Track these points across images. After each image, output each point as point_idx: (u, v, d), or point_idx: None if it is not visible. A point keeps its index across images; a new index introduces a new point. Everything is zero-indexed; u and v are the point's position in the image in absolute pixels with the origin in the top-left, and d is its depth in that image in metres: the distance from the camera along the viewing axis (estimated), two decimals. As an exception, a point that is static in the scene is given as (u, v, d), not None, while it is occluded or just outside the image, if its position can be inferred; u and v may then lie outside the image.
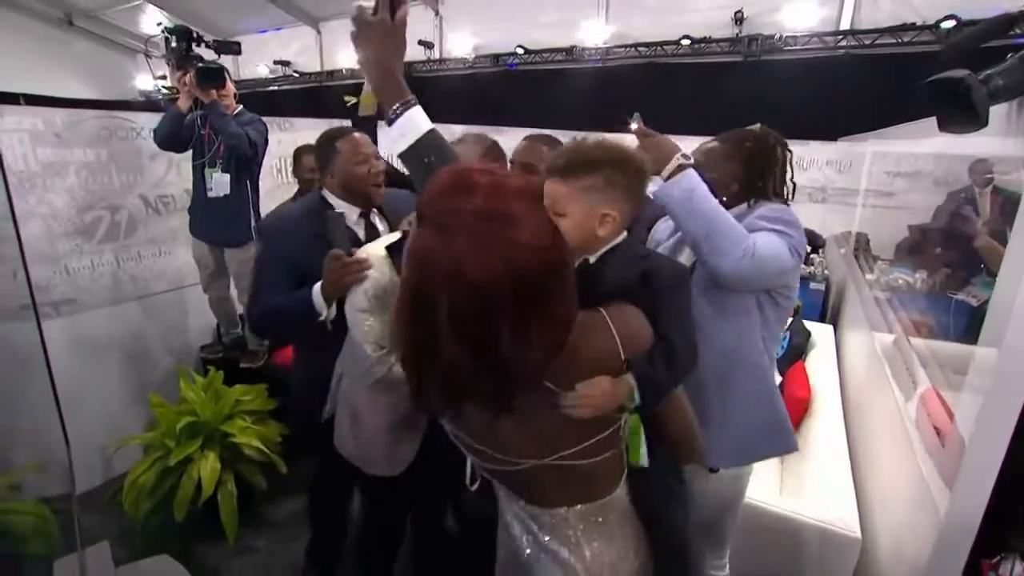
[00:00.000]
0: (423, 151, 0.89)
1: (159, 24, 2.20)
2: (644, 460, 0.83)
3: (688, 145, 1.23)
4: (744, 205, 1.29)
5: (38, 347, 1.56)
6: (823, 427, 2.09)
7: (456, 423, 0.82)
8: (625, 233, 0.95)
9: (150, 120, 2.38)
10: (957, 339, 2.24)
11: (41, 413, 1.73)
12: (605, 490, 0.85)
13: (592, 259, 0.93)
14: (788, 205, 1.28)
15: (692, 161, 1.16)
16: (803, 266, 1.29)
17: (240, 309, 2.70)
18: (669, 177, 1.14)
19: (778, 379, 1.47)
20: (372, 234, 1.55)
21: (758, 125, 1.31)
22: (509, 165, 1.54)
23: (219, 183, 2.33)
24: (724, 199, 1.22)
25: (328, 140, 1.53)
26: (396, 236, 1.30)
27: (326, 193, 1.55)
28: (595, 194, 0.87)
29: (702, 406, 1.28)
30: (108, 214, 2.42)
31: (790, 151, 1.30)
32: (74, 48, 10.69)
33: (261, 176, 2.50)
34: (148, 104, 9.86)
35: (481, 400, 0.70)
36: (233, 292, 2.65)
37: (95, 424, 2.37)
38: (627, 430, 0.84)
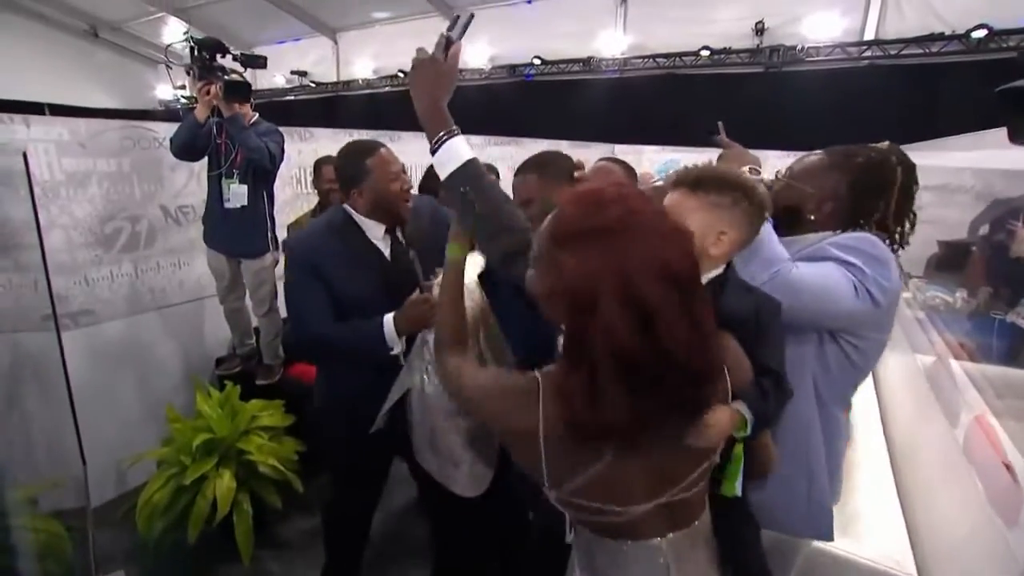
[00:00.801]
0: (460, 180, 0.93)
1: (185, 33, 2.19)
2: (739, 490, 0.86)
3: (699, 159, 1.13)
4: (831, 233, 1.08)
5: (58, 359, 1.53)
6: (865, 453, 1.99)
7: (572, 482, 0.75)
8: (726, 265, 0.95)
9: (171, 130, 2.37)
10: (1002, 362, 2.14)
11: (59, 425, 1.70)
12: (696, 515, 0.84)
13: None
14: (906, 244, 1.08)
15: (759, 176, 1.10)
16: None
17: (255, 321, 2.67)
18: None
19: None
20: (397, 250, 1.51)
21: (886, 142, 1.11)
22: None
23: (236, 194, 2.31)
24: (812, 218, 1.08)
25: (356, 157, 1.46)
26: (481, 262, 1.23)
27: (350, 209, 1.49)
28: (719, 212, 0.89)
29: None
30: (128, 224, 2.41)
31: (916, 182, 1.07)
32: (98, 59, 10.96)
33: (280, 187, 2.47)
34: (170, 114, 10.03)
35: (668, 395, 0.65)
36: (248, 303, 2.62)
37: (111, 436, 2.34)
38: (730, 460, 0.87)
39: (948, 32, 5.42)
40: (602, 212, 0.63)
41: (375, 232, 1.49)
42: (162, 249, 2.56)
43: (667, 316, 0.60)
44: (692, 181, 0.92)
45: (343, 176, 1.49)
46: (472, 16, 0.96)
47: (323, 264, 1.42)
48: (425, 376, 1.38)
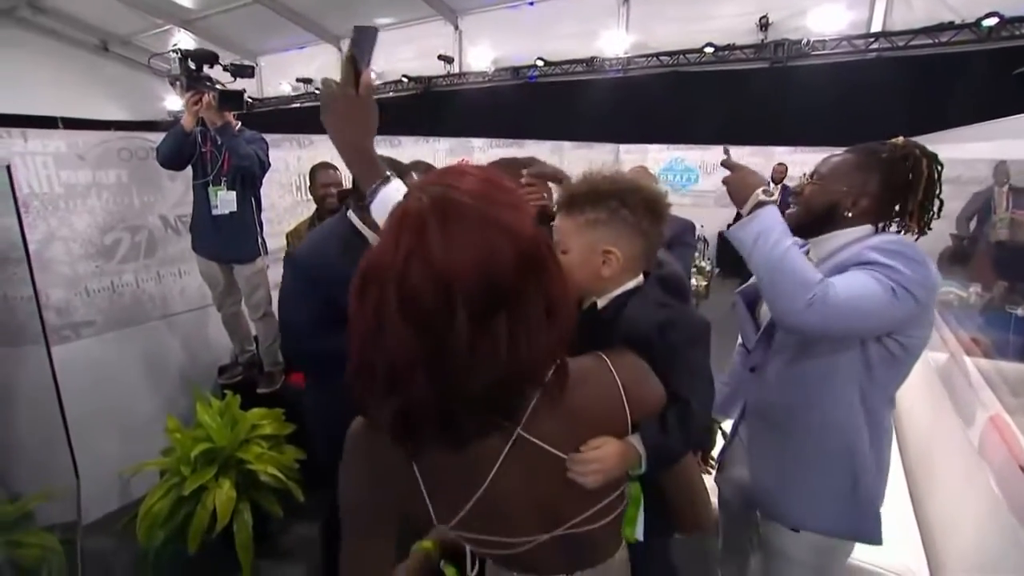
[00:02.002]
0: None
1: (173, 45, 2.22)
2: (639, 534, 0.75)
3: (704, 156, 1.10)
4: (871, 227, 1.11)
5: (49, 373, 1.52)
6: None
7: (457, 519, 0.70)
8: (642, 277, 0.86)
9: (169, 140, 2.38)
10: (1017, 358, 2.07)
11: (55, 438, 1.71)
12: (608, 553, 0.77)
13: (601, 302, 0.85)
14: (928, 230, 1.10)
15: (774, 198, 1.02)
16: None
17: (254, 329, 2.68)
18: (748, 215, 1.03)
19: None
20: None
21: (900, 138, 1.13)
22: None
23: (224, 201, 2.33)
24: (849, 215, 1.09)
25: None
26: None
27: (354, 219, 1.47)
28: (598, 229, 0.81)
29: (779, 449, 1.16)
30: (128, 235, 2.42)
31: (940, 166, 1.09)
32: (109, 72, 11.18)
33: (280, 194, 2.47)
34: (171, 125, 10.18)
35: (430, 420, 0.56)
36: (244, 308, 2.63)
37: (114, 447, 2.34)
38: (626, 500, 0.75)
39: (958, 21, 5.31)
40: (458, 178, 0.58)
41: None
42: (162, 259, 2.57)
43: (448, 306, 0.51)
44: (565, 201, 0.84)
45: (354, 184, 1.50)
46: (377, 31, 0.83)
47: (332, 278, 1.40)
48: None
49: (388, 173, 0.86)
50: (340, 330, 1.29)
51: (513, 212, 0.55)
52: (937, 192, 1.08)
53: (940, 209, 1.09)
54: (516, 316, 0.53)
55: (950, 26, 5.34)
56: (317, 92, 10.67)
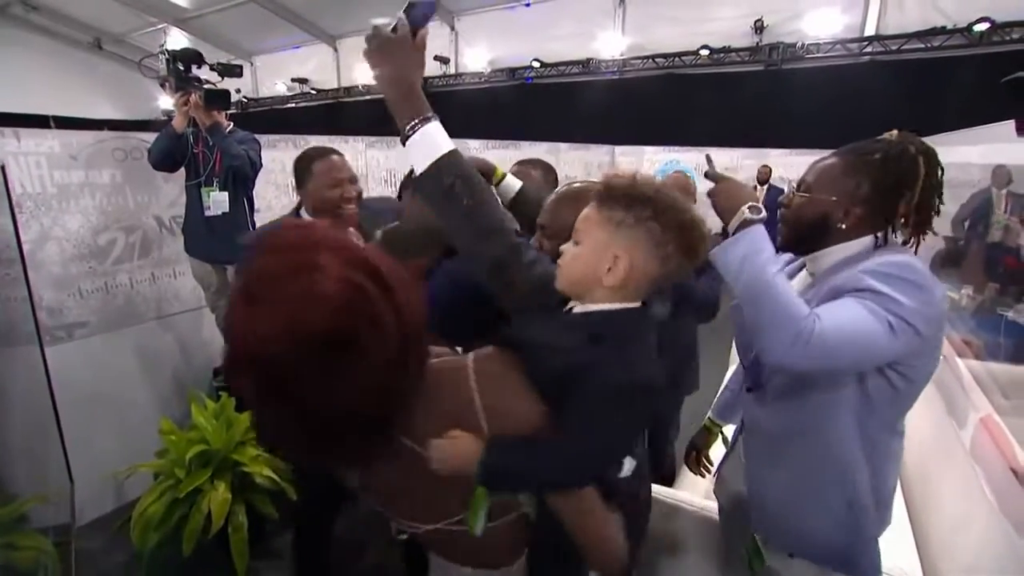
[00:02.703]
0: (446, 171, 0.80)
1: (161, 45, 2.21)
2: (478, 531, 0.72)
3: (700, 158, 1.04)
4: (871, 238, 0.99)
5: (43, 374, 1.51)
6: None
7: (364, 483, 0.79)
8: (639, 304, 0.79)
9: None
10: (1009, 360, 2.09)
11: (51, 439, 1.69)
12: (503, 560, 0.79)
13: (578, 308, 0.80)
14: (933, 233, 0.99)
15: (761, 216, 0.91)
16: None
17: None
18: (733, 234, 0.91)
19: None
20: None
21: (894, 132, 1.01)
22: None
23: (217, 201, 2.32)
24: (843, 227, 0.99)
25: (306, 160, 1.56)
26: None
27: (303, 212, 1.58)
28: (617, 231, 0.75)
29: (774, 472, 1.10)
30: (122, 235, 2.40)
31: (940, 166, 0.98)
32: (102, 71, 11.10)
33: (276, 195, 2.46)
34: (164, 125, 10.14)
35: (334, 453, 0.66)
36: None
37: (109, 448, 2.32)
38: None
39: (950, 26, 5.36)
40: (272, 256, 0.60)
41: None
42: (157, 259, 2.55)
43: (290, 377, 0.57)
44: (602, 192, 0.78)
45: (296, 177, 1.60)
46: (434, 5, 0.85)
47: None
48: None
49: (430, 113, 0.82)
50: None
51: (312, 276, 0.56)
52: (938, 192, 0.98)
53: (937, 210, 0.99)
54: (349, 357, 0.57)
55: (942, 31, 5.40)
56: (312, 92, 10.66)
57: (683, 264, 0.78)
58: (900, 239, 1.01)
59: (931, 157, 0.97)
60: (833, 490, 1.02)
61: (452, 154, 0.81)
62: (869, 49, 5.86)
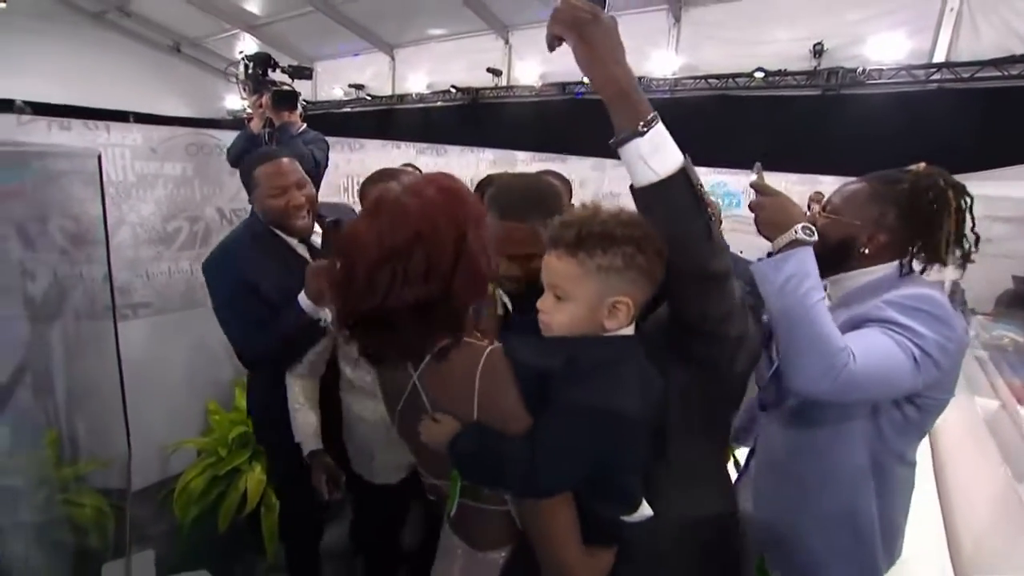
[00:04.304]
0: (691, 176, 0.72)
1: (240, 52, 2.37)
2: (452, 510, 0.83)
3: (748, 181, 1.03)
4: (896, 266, 0.99)
5: (114, 348, 1.64)
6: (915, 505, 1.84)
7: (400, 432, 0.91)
8: (632, 328, 0.78)
9: (232, 137, 2.52)
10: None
11: (112, 409, 1.82)
12: (491, 544, 0.87)
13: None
14: (963, 268, 0.98)
15: (813, 238, 0.88)
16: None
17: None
18: (780, 251, 0.90)
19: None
20: (316, 255, 1.51)
21: (922, 164, 1.01)
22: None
23: None
24: (866, 252, 0.99)
25: (249, 166, 1.47)
26: None
27: (260, 217, 1.51)
28: (611, 277, 0.72)
29: (782, 496, 1.10)
30: (188, 224, 2.57)
31: (969, 197, 0.97)
32: (179, 72, 11.93)
33: (327, 195, 2.57)
34: (230, 124, 10.73)
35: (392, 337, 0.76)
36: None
37: (160, 422, 2.47)
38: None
39: (1030, 54, 5.07)
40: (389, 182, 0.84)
41: (290, 240, 1.51)
42: (217, 249, 2.72)
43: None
44: (571, 241, 0.73)
45: (244, 184, 1.52)
46: None
47: (253, 276, 1.41)
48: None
49: (654, 111, 0.73)
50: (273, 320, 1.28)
51: (421, 203, 0.74)
52: (971, 225, 0.97)
53: (977, 242, 0.98)
54: (396, 271, 0.71)
55: (1021, 59, 5.10)
56: (368, 98, 11.06)
57: (660, 278, 0.77)
58: (919, 268, 1.00)
59: (959, 191, 0.97)
60: (838, 520, 1.01)
61: (686, 156, 0.74)
62: (937, 76, 5.60)
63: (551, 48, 0.78)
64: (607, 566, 0.80)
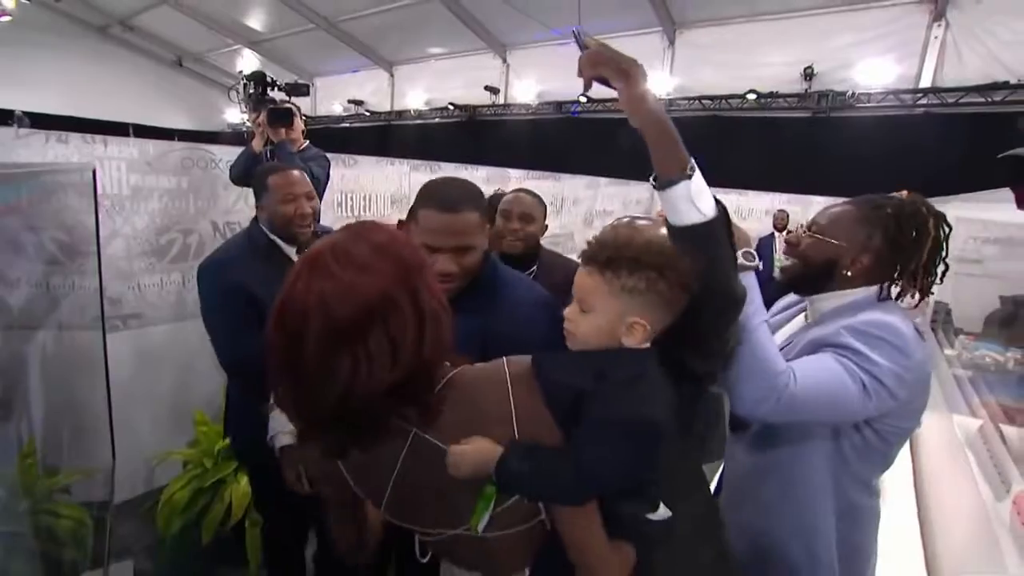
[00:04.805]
0: (725, 216, 0.80)
1: (239, 72, 2.40)
2: (479, 528, 0.76)
3: (750, 202, 1.05)
4: (875, 291, 1.01)
5: (102, 358, 1.66)
6: (892, 525, 1.85)
7: (393, 498, 0.82)
8: (648, 345, 0.81)
9: (226, 152, 2.56)
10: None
11: (98, 419, 1.83)
12: (515, 566, 0.82)
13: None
14: (931, 294, 1.00)
15: (756, 264, 0.91)
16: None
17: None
18: None
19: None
20: None
21: (904, 192, 1.04)
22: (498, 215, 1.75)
23: None
24: (848, 274, 1.00)
25: (263, 174, 1.57)
26: None
27: (264, 227, 1.56)
28: (631, 298, 0.76)
29: (744, 511, 1.10)
30: (181, 236, 2.60)
31: (948, 226, 0.99)
32: (181, 85, 12.09)
33: (324, 210, 2.60)
34: (230, 137, 10.81)
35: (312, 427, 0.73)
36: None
37: (146, 433, 2.47)
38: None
39: (1013, 81, 5.21)
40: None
41: (288, 250, 1.55)
42: (209, 261, 2.74)
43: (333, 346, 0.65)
44: (603, 260, 0.78)
45: (254, 191, 1.60)
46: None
47: (248, 281, 1.42)
48: None
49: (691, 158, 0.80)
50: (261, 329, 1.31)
51: (363, 271, 0.66)
52: (943, 255, 0.99)
53: (944, 275, 1.00)
54: (356, 353, 0.64)
55: (1004, 85, 5.24)
56: (366, 114, 11.22)
57: (680, 307, 0.81)
58: (894, 294, 1.01)
59: (940, 220, 0.99)
60: (796, 529, 1.01)
61: (718, 200, 0.81)
62: (924, 101, 5.74)
63: (587, 87, 0.82)
64: (631, 557, 0.83)
